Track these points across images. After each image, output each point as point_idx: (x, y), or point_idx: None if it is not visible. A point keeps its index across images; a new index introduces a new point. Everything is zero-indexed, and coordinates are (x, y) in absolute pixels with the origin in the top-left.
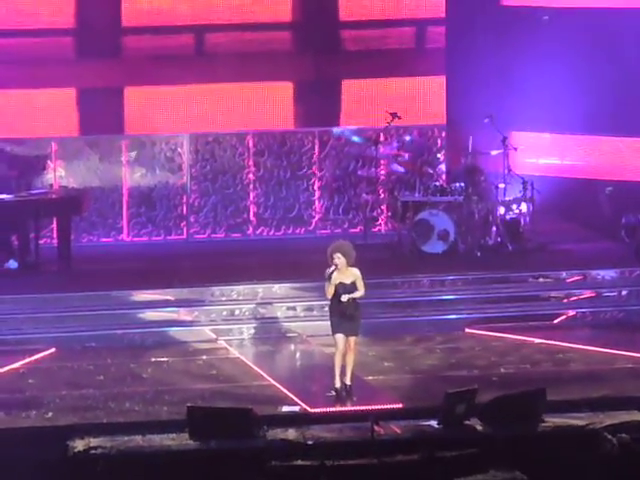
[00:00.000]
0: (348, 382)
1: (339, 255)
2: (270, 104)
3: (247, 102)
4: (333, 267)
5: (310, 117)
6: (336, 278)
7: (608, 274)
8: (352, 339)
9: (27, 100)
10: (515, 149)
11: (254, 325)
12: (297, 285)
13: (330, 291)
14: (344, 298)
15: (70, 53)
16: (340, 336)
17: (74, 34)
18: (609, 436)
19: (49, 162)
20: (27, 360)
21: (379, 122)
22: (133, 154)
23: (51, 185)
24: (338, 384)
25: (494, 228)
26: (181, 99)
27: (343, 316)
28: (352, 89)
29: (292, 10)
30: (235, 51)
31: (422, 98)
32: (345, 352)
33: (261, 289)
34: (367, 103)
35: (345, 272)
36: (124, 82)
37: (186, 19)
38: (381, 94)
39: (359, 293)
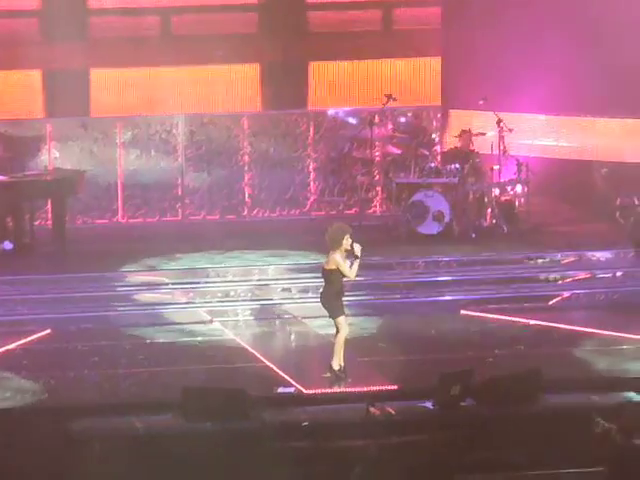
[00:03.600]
0: (343, 363)
1: (349, 236)
2: (236, 86)
3: (212, 84)
4: (350, 247)
5: (278, 99)
6: (348, 261)
7: (603, 255)
8: (347, 319)
9: None
10: (510, 130)
11: (249, 306)
12: (292, 266)
13: (353, 272)
14: (357, 248)
15: (36, 35)
16: (344, 318)
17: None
18: (600, 419)
19: (44, 143)
20: (22, 341)
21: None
22: (128, 135)
23: (46, 166)
24: (337, 366)
25: (489, 209)
26: (147, 81)
27: (342, 296)
28: (321, 71)
29: None
30: (201, 33)
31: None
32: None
33: (256, 270)
34: (339, 85)
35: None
36: (90, 64)
37: (152, 1)
38: (349, 76)
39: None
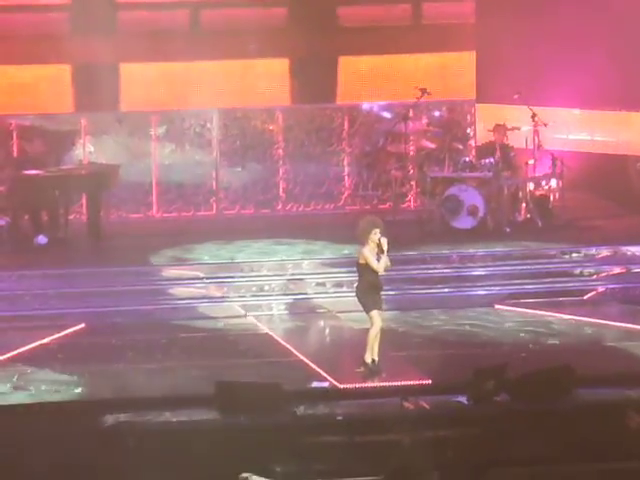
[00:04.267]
0: (377, 357)
1: (379, 230)
2: (266, 81)
3: (241, 79)
4: (378, 242)
5: (307, 93)
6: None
7: (638, 250)
8: (382, 314)
9: (20, 76)
10: (545, 125)
11: (283, 301)
12: (327, 261)
13: (380, 265)
14: (384, 242)
15: (65, 30)
16: (377, 312)
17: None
18: (634, 414)
19: (79, 138)
20: (56, 335)
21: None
22: (163, 129)
23: (81, 161)
24: (370, 360)
25: (523, 204)
26: (176, 76)
27: (378, 290)
28: (350, 66)
29: None
30: (229, 27)
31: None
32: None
33: (290, 265)
34: (369, 80)
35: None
36: (120, 58)
37: None
38: (379, 71)
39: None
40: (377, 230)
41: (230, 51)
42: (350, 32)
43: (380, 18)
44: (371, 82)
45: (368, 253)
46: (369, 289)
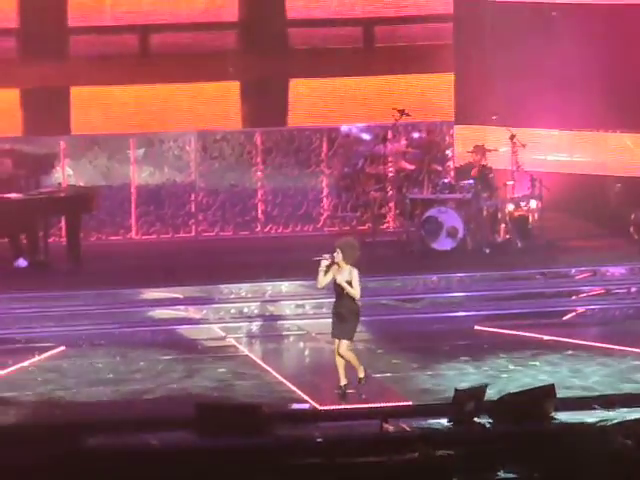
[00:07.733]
0: (342, 383)
1: (338, 250)
2: (216, 104)
3: (192, 102)
4: (329, 260)
5: (258, 116)
6: (331, 273)
7: (617, 270)
8: (341, 342)
9: None
10: (523, 146)
11: (262, 323)
12: (305, 283)
13: (320, 280)
14: (339, 280)
15: (14, 54)
16: (334, 339)
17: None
18: (618, 435)
19: (57, 161)
20: (37, 358)
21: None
22: (141, 152)
23: (60, 183)
24: (342, 382)
25: (503, 225)
26: (128, 100)
27: (335, 316)
28: (301, 88)
29: (239, 10)
30: (181, 51)
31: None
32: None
33: (269, 287)
34: (320, 102)
35: (343, 270)
36: (70, 82)
37: (132, 19)
38: (330, 93)
39: (354, 291)
40: (338, 250)
41: (181, 75)
42: (301, 54)
43: (331, 40)
44: (321, 105)
45: (322, 265)
46: (332, 311)
